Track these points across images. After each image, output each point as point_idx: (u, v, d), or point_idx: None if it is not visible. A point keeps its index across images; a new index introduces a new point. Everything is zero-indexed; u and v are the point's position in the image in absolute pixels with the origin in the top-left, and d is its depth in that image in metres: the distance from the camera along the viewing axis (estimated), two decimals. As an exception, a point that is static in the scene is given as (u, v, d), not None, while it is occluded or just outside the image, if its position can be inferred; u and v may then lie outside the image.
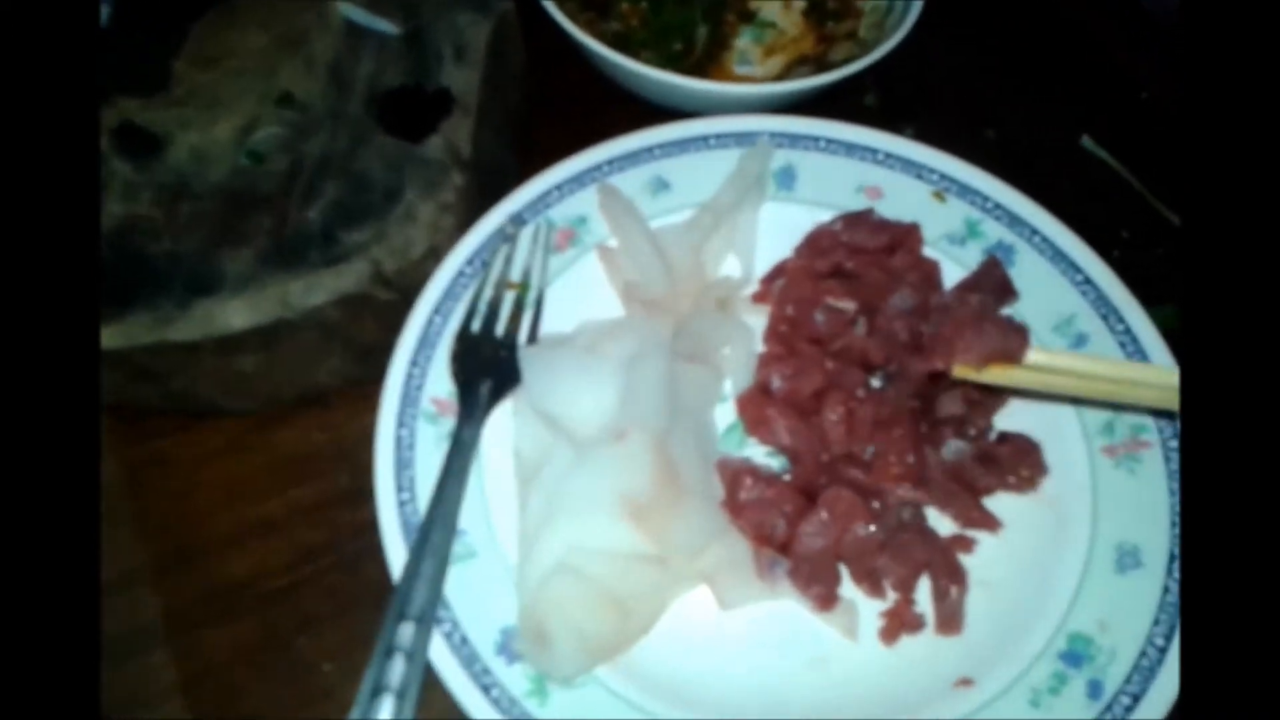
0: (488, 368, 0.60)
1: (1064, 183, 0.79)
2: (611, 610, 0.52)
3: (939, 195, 0.69)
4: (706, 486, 0.57)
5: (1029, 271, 0.65)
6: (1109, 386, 0.55)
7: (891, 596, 0.56)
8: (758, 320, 0.65)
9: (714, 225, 0.67)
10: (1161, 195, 0.80)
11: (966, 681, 0.53)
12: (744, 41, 0.85)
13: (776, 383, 0.61)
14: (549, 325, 0.64)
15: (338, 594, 0.60)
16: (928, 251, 0.66)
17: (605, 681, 0.52)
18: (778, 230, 0.68)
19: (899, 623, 0.55)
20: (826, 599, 0.55)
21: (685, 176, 0.69)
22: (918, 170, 0.69)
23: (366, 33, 0.70)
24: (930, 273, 0.65)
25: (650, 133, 0.70)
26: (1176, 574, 0.54)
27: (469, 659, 0.51)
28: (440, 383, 0.60)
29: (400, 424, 0.58)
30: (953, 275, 0.65)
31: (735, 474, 0.58)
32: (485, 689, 0.51)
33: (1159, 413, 0.60)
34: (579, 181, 0.68)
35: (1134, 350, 0.62)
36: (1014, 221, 0.67)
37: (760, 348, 0.65)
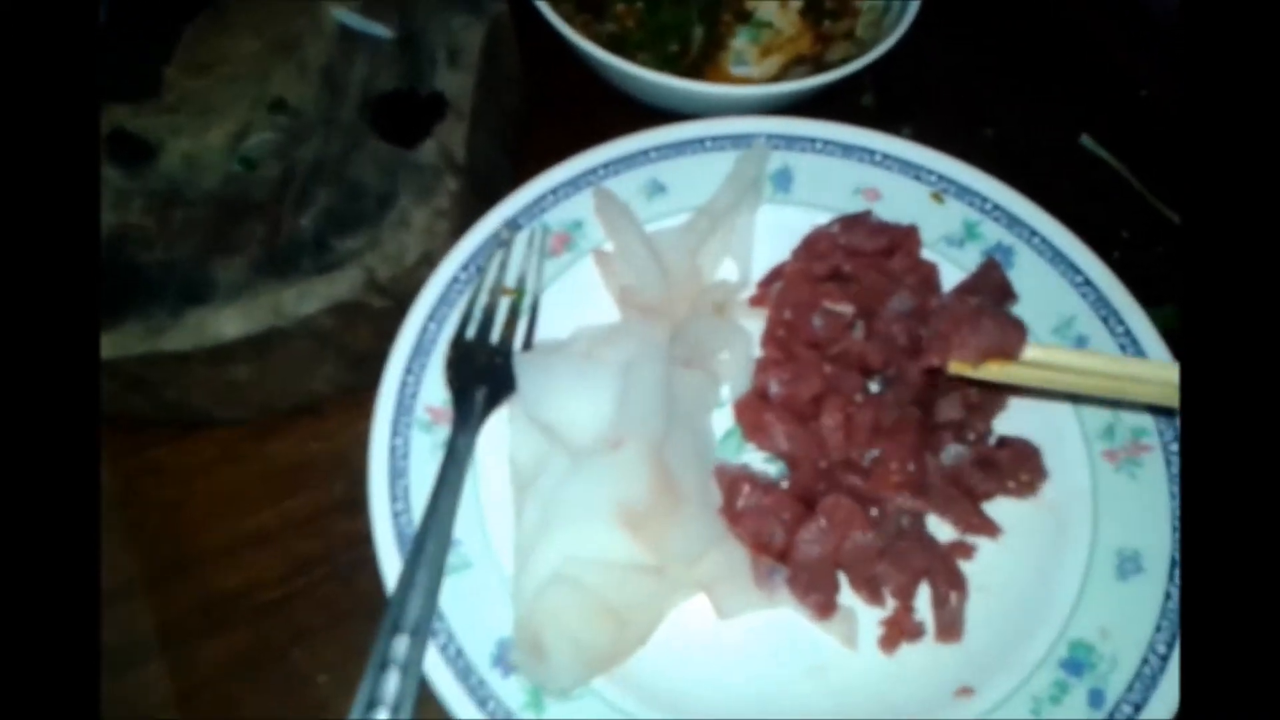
0: (483, 375, 0.60)
1: (1063, 182, 0.78)
2: (608, 620, 0.52)
3: (937, 196, 0.68)
4: (704, 494, 0.56)
5: (1028, 273, 0.65)
6: (1107, 382, 0.54)
7: (891, 604, 0.56)
8: (755, 324, 0.65)
9: (710, 228, 0.66)
10: (1161, 194, 0.79)
11: (967, 690, 0.53)
12: (740, 42, 0.84)
13: (774, 388, 0.61)
14: (545, 330, 0.63)
15: (332, 605, 0.60)
16: (926, 254, 0.66)
17: (602, 693, 0.51)
18: (775, 233, 0.67)
19: (898, 630, 0.55)
20: (825, 607, 0.55)
21: (681, 179, 0.68)
22: (916, 171, 0.69)
23: (360, 37, 0.70)
24: (929, 275, 0.65)
25: (646, 135, 0.69)
26: (1178, 580, 0.54)
27: (464, 671, 0.51)
28: (435, 390, 0.59)
29: (394, 433, 0.57)
30: (951, 277, 0.65)
31: (733, 481, 0.57)
32: (481, 702, 0.50)
33: (1158, 411, 0.59)
34: (574, 185, 0.67)
35: (1135, 352, 0.61)
36: (1013, 223, 0.66)
37: (758, 352, 0.64)
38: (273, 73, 0.67)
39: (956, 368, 0.55)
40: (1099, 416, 0.60)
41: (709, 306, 0.65)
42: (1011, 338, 0.55)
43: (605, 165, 0.68)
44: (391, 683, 0.49)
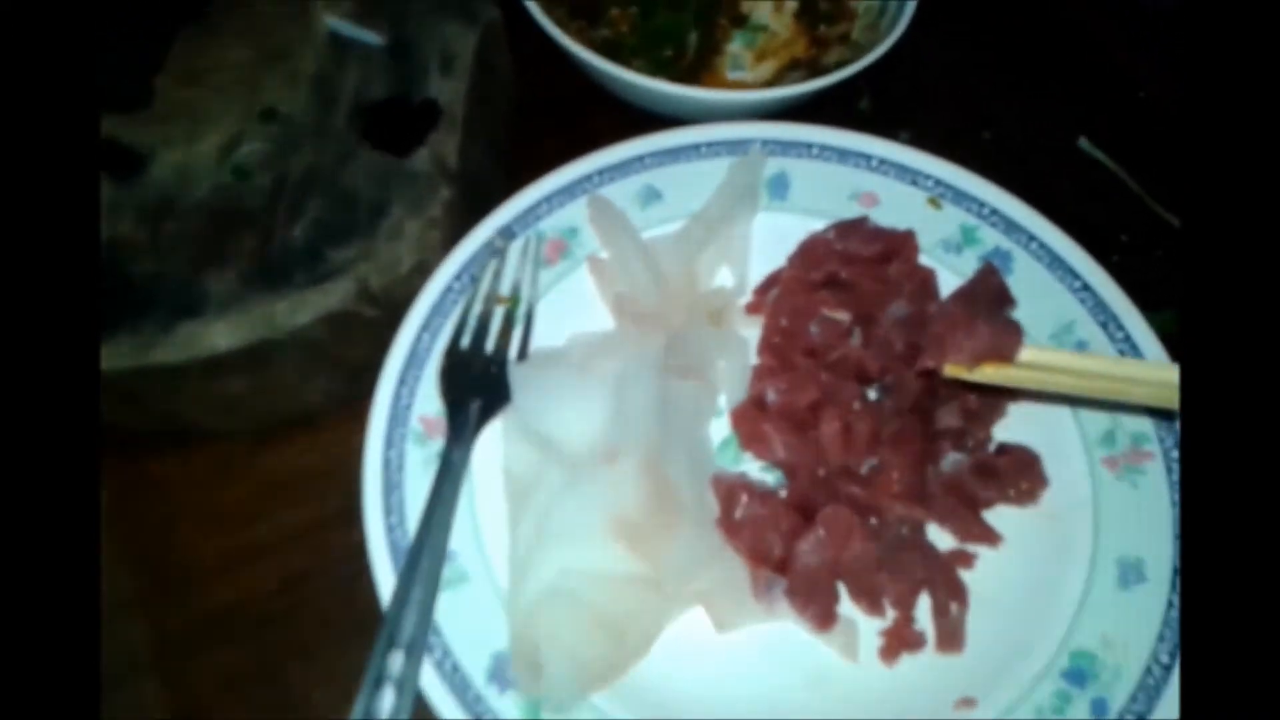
0: (477, 386, 0.59)
1: (1062, 185, 0.78)
2: (605, 634, 0.51)
3: (934, 202, 0.68)
4: (701, 505, 0.56)
5: (1026, 278, 0.64)
6: (1105, 384, 0.54)
7: (891, 614, 0.55)
8: (752, 332, 0.64)
9: (706, 235, 0.66)
10: (1160, 197, 0.79)
11: (968, 701, 0.52)
12: (736, 46, 0.84)
13: (771, 396, 0.60)
14: (540, 339, 0.63)
15: (329, 619, 0.59)
16: (923, 259, 0.65)
17: (600, 707, 0.51)
18: (771, 240, 0.66)
19: (899, 641, 0.54)
20: (825, 618, 0.54)
21: (677, 186, 0.68)
22: (912, 176, 0.68)
23: (351, 44, 0.69)
24: (926, 281, 0.64)
25: (641, 142, 0.69)
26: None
27: (460, 687, 0.50)
28: (429, 402, 0.59)
29: (388, 445, 0.57)
30: (949, 283, 0.64)
31: (730, 491, 0.57)
32: (478, 718, 0.50)
33: (1158, 416, 0.59)
34: (569, 193, 0.67)
35: (1134, 358, 0.61)
36: (1010, 228, 0.66)
37: (754, 360, 0.63)
38: (264, 81, 0.67)
39: (952, 370, 0.55)
40: (1099, 423, 0.59)
41: (705, 314, 0.64)
42: (1007, 339, 0.54)
43: (600, 172, 0.67)
44: (387, 700, 0.48)
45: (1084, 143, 0.82)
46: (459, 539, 0.55)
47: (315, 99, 0.66)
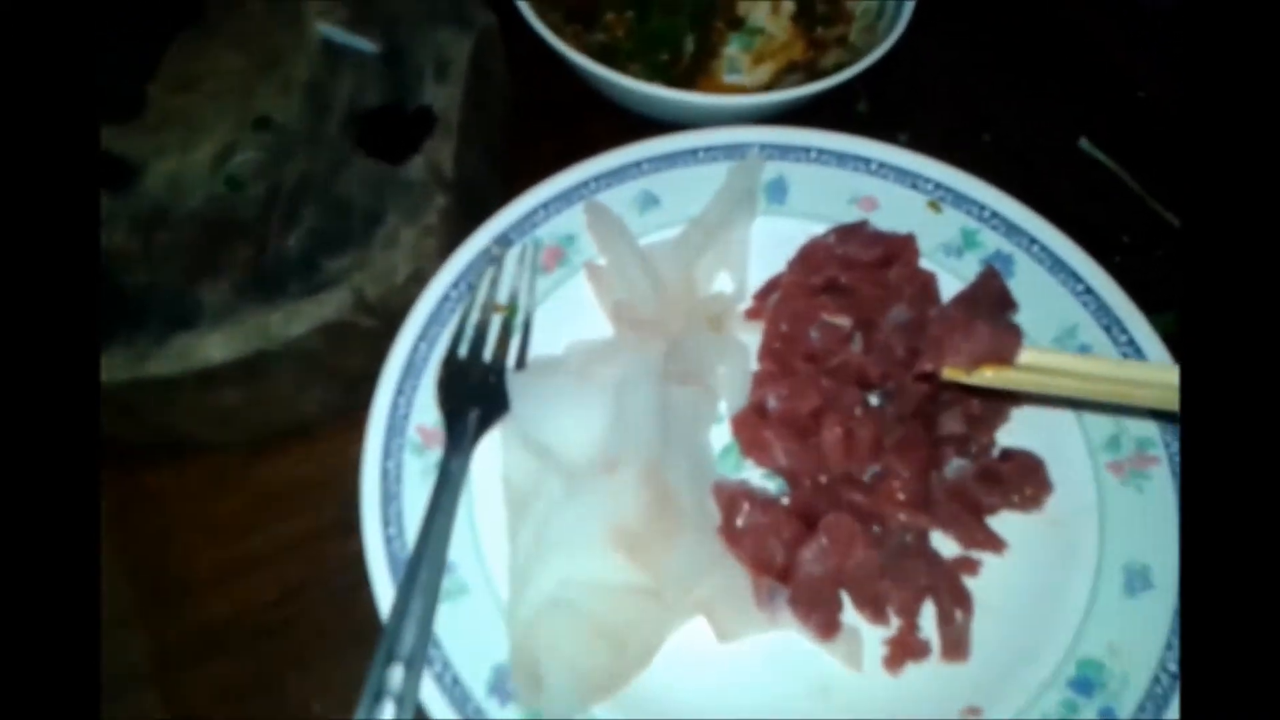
0: (475, 395, 0.59)
1: (1063, 185, 0.77)
2: (606, 645, 0.51)
3: (934, 205, 0.67)
4: (702, 513, 0.55)
5: (1028, 282, 0.64)
6: (1107, 387, 0.53)
7: (895, 623, 0.55)
8: (752, 337, 0.64)
9: (705, 241, 0.65)
10: (1161, 197, 0.78)
11: (974, 710, 0.51)
12: (733, 49, 0.83)
13: (772, 403, 0.60)
14: (538, 347, 0.62)
15: (327, 630, 0.59)
16: (924, 263, 0.65)
17: (602, 720, 0.50)
18: (770, 244, 0.66)
19: (903, 650, 0.54)
20: (828, 627, 0.53)
21: (675, 191, 0.67)
22: (912, 180, 0.68)
23: (345, 52, 0.69)
24: (927, 285, 0.63)
25: (638, 147, 0.68)
26: (1188, 595, 0.53)
27: (461, 700, 0.50)
28: (427, 411, 0.58)
29: (386, 456, 0.56)
30: (950, 287, 0.64)
31: (731, 498, 0.56)
32: (478, 732, 0.49)
33: (1163, 419, 0.59)
34: (566, 199, 0.66)
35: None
36: (1012, 230, 0.65)
37: (755, 366, 0.63)
38: (257, 89, 0.66)
39: (951, 374, 0.54)
40: (1103, 428, 0.59)
41: (704, 320, 0.64)
42: (1006, 342, 0.54)
43: (597, 178, 0.67)
44: (387, 714, 0.48)
45: (1084, 143, 0.81)
46: (458, 550, 0.54)
47: (309, 107, 0.66)
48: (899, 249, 0.64)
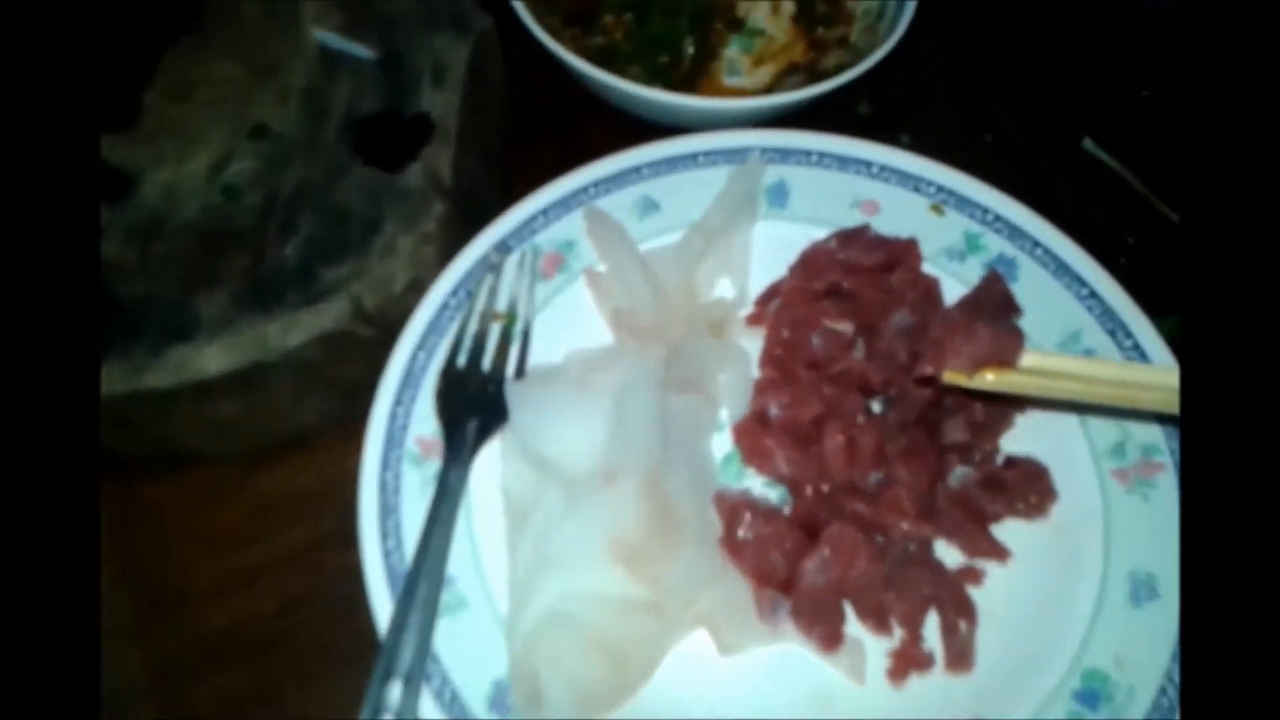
0: (474, 405, 0.58)
1: (1066, 187, 0.77)
2: (607, 660, 0.50)
3: (937, 208, 0.66)
4: (703, 524, 0.55)
5: (1032, 286, 0.63)
6: (1110, 390, 0.53)
7: (899, 634, 0.54)
8: (754, 343, 0.63)
9: (705, 246, 0.65)
10: (1165, 197, 0.78)
11: (978, 723, 0.51)
12: (733, 51, 0.82)
13: (774, 410, 0.59)
14: (537, 355, 0.62)
15: (327, 643, 0.58)
16: (926, 268, 0.64)
17: (602, 735, 0.50)
18: (772, 249, 0.65)
19: (907, 661, 0.53)
20: (831, 639, 0.53)
21: (675, 196, 0.67)
22: (914, 183, 0.67)
23: (342, 58, 0.68)
24: (929, 290, 0.63)
25: (637, 152, 0.68)
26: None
27: (460, 716, 0.49)
28: (425, 422, 0.58)
29: (384, 467, 0.56)
30: (953, 292, 0.63)
31: (733, 509, 0.56)
32: (478, 747, 0.49)
33: (1167, 422, 0.58)
34: (565, 205, 0.66)
35: (1142, 364, 0.60)
36: (1015, 234, 0.65)
37: (756, 373, 0.62)
38: (253, 97, 0.66)
39: (951, 377, 0.53)
40: (1108, 434, 0.58)
41: (705, 327, 0.63)
42: (1008, 344, 0.53)
43: (596, 183, 0.66)
44: (386, 729, 0.47)
45: (1088, 144, 0.80)
46: (457, 562, 0.54)
47: (306, 114, 0.65)
48: (901, 254, 0.63)
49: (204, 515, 0.62)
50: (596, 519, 0.52)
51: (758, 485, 0.60)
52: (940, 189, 0.67)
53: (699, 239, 0.65)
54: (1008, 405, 0.60)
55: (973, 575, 0.56)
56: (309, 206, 0.61)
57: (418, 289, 0.61)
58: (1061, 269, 0.63)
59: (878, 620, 0.54)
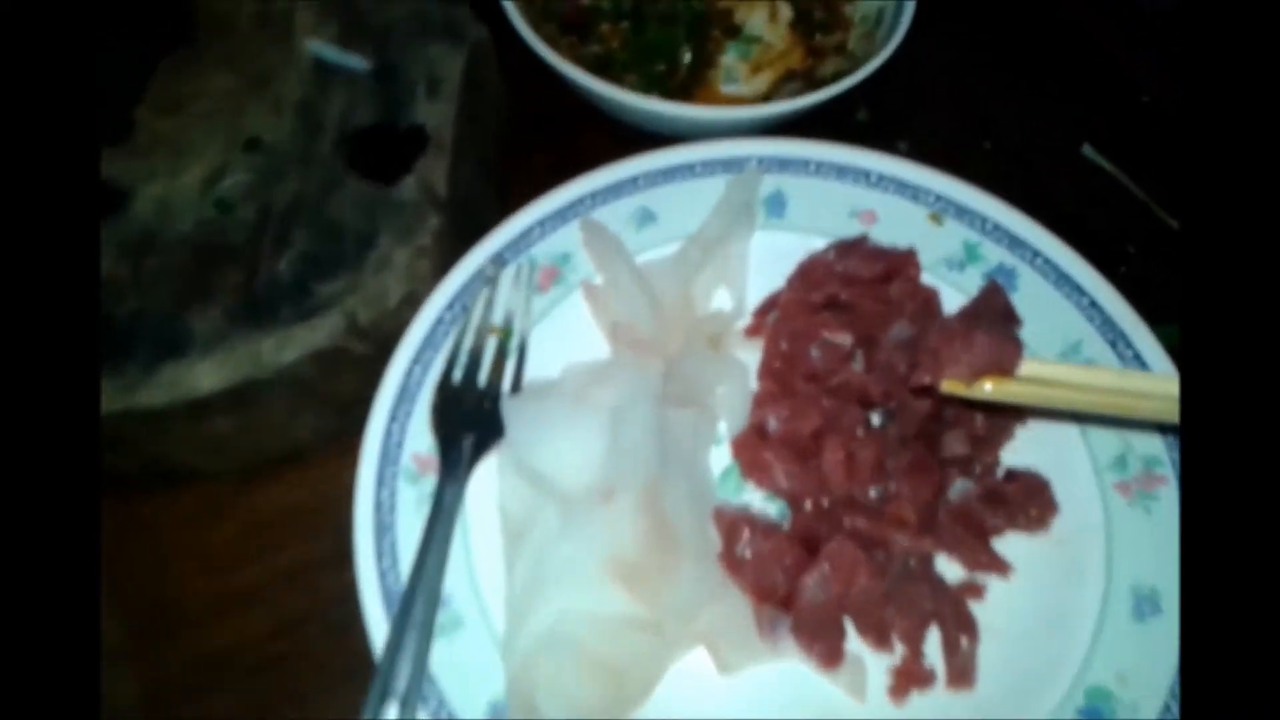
0: (470, 421, 0.58)
1: (1065, 193, 0.76)
2: (605, 680, 0.50)
3: (935, 218, 0.66)
4: (701, 540, 0.54)
5: (1032, 296, 0.63)
6: (1110, 398, 0.52)
7: (899, 650, 0.54)
8: (752, 356, 0.63)
9: (703, 257, 0.64)
10: (1165, 203, 0.77)
11: (981, 740, 0.51)
12: (730, 58, 0.82)
13: (773, 424, 0.59)
14: (534, 369, 0.61)
15: (324, 664, 0.58)
16: (925, 278, 0.63)
17: (601, 755, 0.50)
18: (769, 260, 0.65)
19: (908, 678, 0.53)
20: (831, 656, 0.53)
21: (672, 207, 0.66)
22: (913, 192, 0.67)
23: (335, 70, 0.68)
24: (929, 301, 0.62)
25: (634, 162, 0.67)
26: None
27: (457, 738, 0.49)
28: (421, 438, 0.57)
29: (380, 484, 0.55)
30: (953, 302, 0.63)
31: (732, 525, 0.55)
32: (475, 770, 0.48)
33: (1169, 433, 0.57)
34: (561, 217, 0.65)
35: (1143, 373, 0.59)
36: (1014, 243, 0.64)
37: (755, 385, 0.62)
38: (247, 109, 0.65)
39: (950, 386, 0.53)
40: (1110, 447, 0.58)
41: (703, 339, 0.63)
42: (1006, 352, 0.52)
43: (593, 195, 0.66)
44: (382, 753, 0.47)
45: (1088, 150, 0.80)
46: (453, 581, 0.53)
47: (300, 127, 0.65)
48: (900, 264, 0.63)
49: (200, 532, 0.61)
50: (594, 536, 0.51)
51: (757, 499, 0.59)
52: (939, 198, 0.66)
53: (696, 250, 0.64)
54: (1008, 417, 0.59)
55: (974, 590, 0.55)
56: (303, 220, 0.61)
57: (413, 303, 0.61)
58: (1062, 279, 0.63)
59: (878, 636, 0.54)
